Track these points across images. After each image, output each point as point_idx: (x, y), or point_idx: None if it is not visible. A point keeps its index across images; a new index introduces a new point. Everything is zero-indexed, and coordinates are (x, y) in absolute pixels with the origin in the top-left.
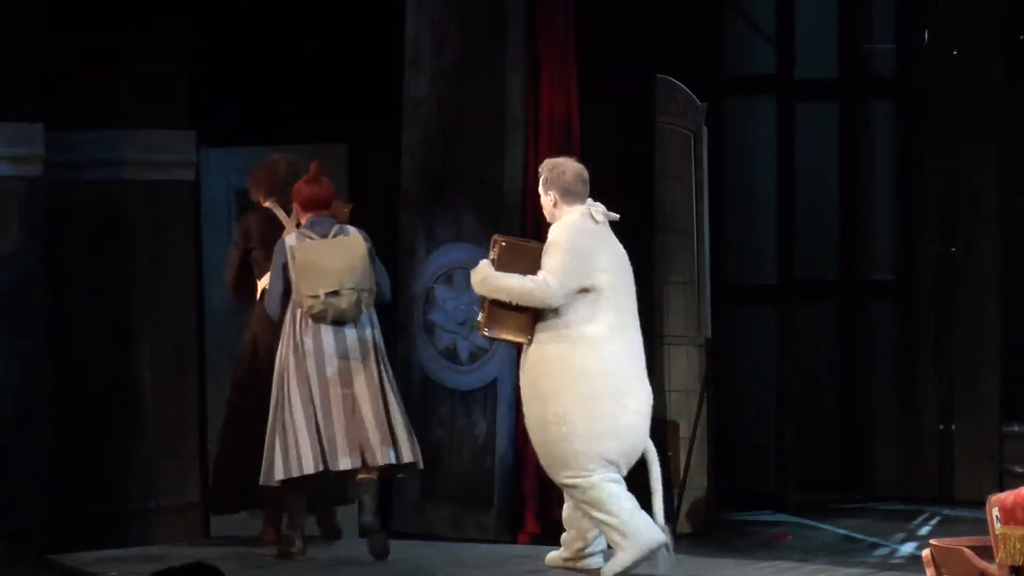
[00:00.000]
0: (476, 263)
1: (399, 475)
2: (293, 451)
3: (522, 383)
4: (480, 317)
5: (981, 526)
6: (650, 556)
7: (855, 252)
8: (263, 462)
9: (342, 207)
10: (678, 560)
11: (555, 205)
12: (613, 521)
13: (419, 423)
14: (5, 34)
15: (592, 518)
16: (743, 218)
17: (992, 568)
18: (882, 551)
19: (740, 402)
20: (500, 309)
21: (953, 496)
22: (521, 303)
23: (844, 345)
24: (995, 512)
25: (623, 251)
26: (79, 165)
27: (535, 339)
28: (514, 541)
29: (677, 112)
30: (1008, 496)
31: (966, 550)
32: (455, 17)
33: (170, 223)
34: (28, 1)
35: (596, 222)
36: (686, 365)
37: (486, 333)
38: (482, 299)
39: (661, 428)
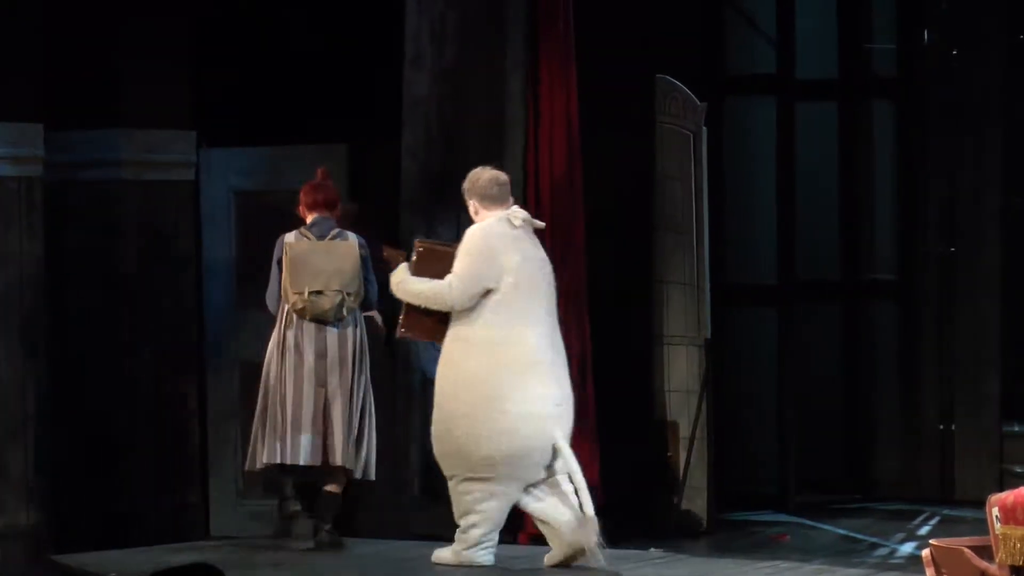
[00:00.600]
0: None
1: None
2: (271, 439)
3: None
4: (400, 319)
5: (981, 526)
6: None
7: (856, 252)
8: (248, 448)
9: (348, 208)
10: (678, 559)
11: (476, 213)
12: (464, 530)
13: (419, 424)
14: (5, 34)
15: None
16: (743, 218)
17: (992, 568)
18: (882, 551)
19: (740, 402)
20: (414, 312)
21: (953, 496)
22: (430, 306)
23: (845, 345)
24: (995, 512)
25: (542, 256)
26: (79, 165)
27: (445, 341)
28: (514, 541)
29: (677, 112)
30: (1008, 496)
31: (966, 550)
32: (455, 17)
33: (170, 223)
34: (28, 1)
35: (513, 226)
36: (686, 365)
37: (402, 333)
38: (402, 303)
39: (661, 428)
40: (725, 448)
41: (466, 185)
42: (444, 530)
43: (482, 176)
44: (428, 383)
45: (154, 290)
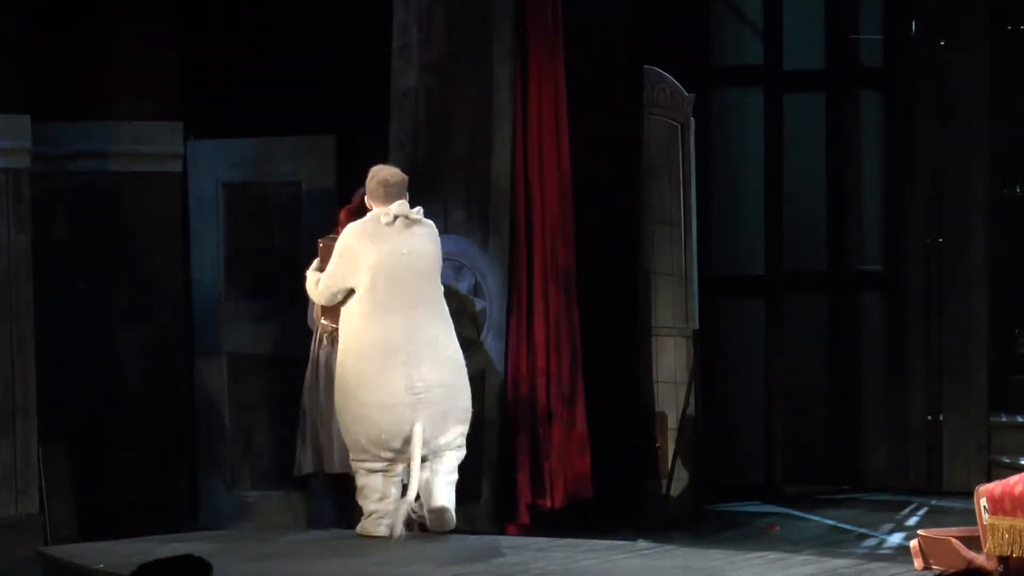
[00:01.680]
0: (465, 254)
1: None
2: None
3: None
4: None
5: (969, 517)
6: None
7: (843, 243)
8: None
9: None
10: (666, 551)
11: (371, 209)
12: (363, 504)
13: None
14: None
15: None
16: (731, 209)
17: (980, 558)
18: (870, 542)
19: (728, 393)
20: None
21: (941, 487)
22: (313, 299)
23: (832, 336)
24: (983, 502)
25: (411, 248)
26: (66, 157)
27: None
28: (503, 532)
29: (665, 103)
30: (996, 486)
31: (954, 540)
32: (443, 7)
33: (158, 215)
34: None
35: (381, 224)
36: (674, 356)
37: (312, 324)
38: None
39: (649, 419)
40: (713, 439)
41: (366, 183)
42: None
43: (376, 176)
44: None
45: (142, 281)
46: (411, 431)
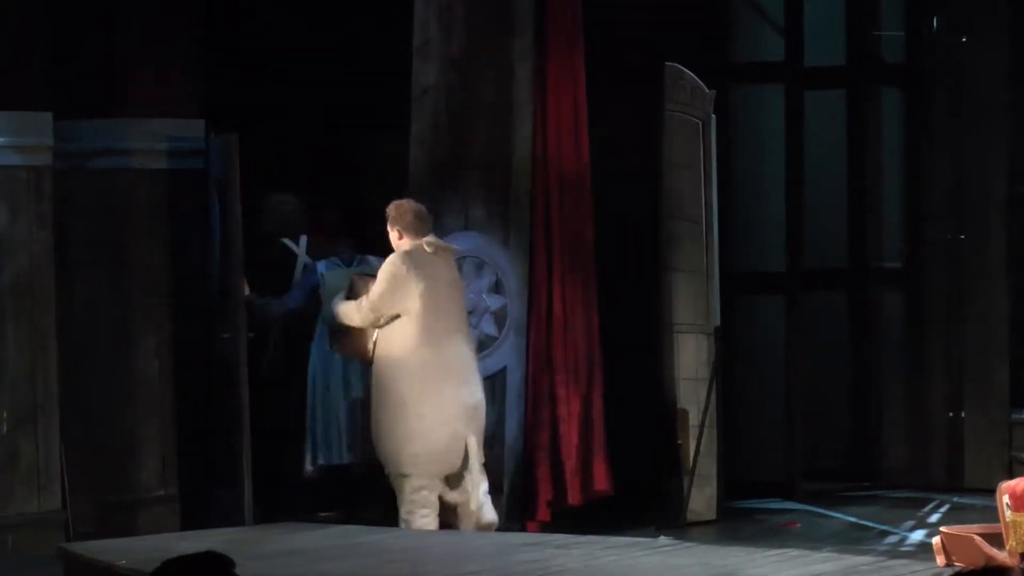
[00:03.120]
0: (485, 251)
1: None
2: None
3: None
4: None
5: (991, 513)
6: None
7: (864, 240)
8: None
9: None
10: (686, 548)
11: (400, 239)
12: (403, 518)
13: None
14: (12, 22)
15: None
16: (751, 206)
17: (1002, 555)
18: (892, 539)
19: (749, 390)
20: (340, 330)
21: (963, 483)
22: (348, 324)
23: (853, 333)
24: (1005, 499)
25: (453, 277)
26: (87, 154)
27: (374, 359)
28: (524, 529)
29: (685, 100)
30: (1018, 483)
31: (976, 537)
32: (463, 5)
33: (178, 212)
34: None
35: (426, 252)
36: (695, 353)
37: (333, 348)
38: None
39: (670, 415)
40: (734, 436)
41: (392, 214)
42: (454, 518)
43: (409, 211)
44: None
45: (163, 278)
46: (466, 445)
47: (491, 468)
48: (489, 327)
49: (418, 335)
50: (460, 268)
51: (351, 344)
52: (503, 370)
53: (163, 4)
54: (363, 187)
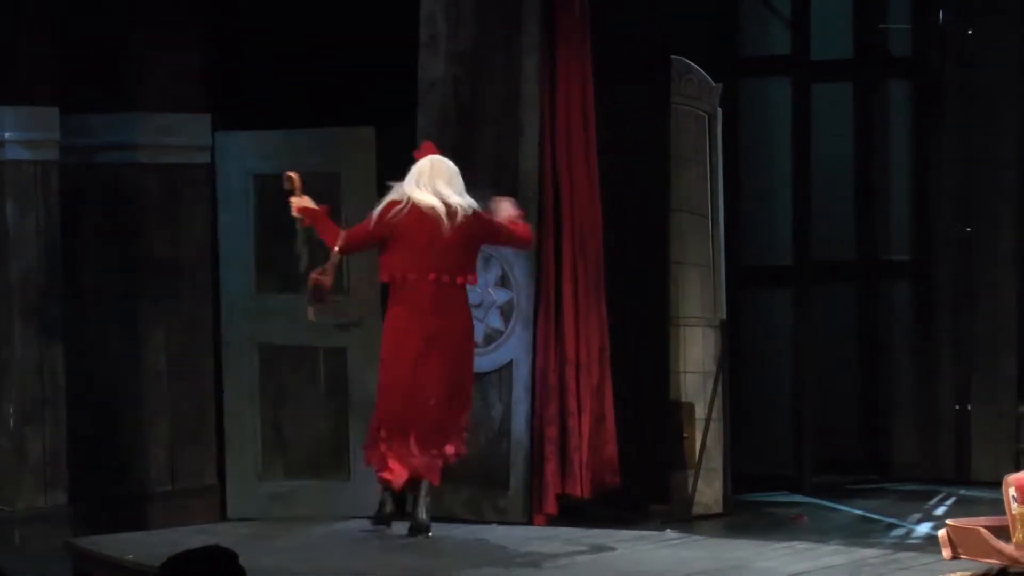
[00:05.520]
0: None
1: None
2: None
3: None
4: None
5: (998, 506)
6: None
7: (872, 233)
8: None
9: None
10: (694, 541)
11: None
12: None
13: None
14: (19, 18)
15: None
16: (759, 199)
17: (1009, 548)
18: (899, 531)
19: (756, 383)
20: None
21: (970, 476)
22: None
23: (861, 326)
24: (1012, 492)
25: None
26: (94, 149)
27: None
28: (531, 523)
29: (692, 93)
30: None
31: (982, 530)
32: None
33: (186, 206)
34: None
35: None
36: (702, 346)
37: None
38: None
39: (677, 409)
40: (741, 429)
41: None
42: (462, 512)
43: None
44: None
45: (171, 273)
46: None
47: (500, 462)
48: (496, 321)
49: None
50: None
51: None
52: (510, 363)
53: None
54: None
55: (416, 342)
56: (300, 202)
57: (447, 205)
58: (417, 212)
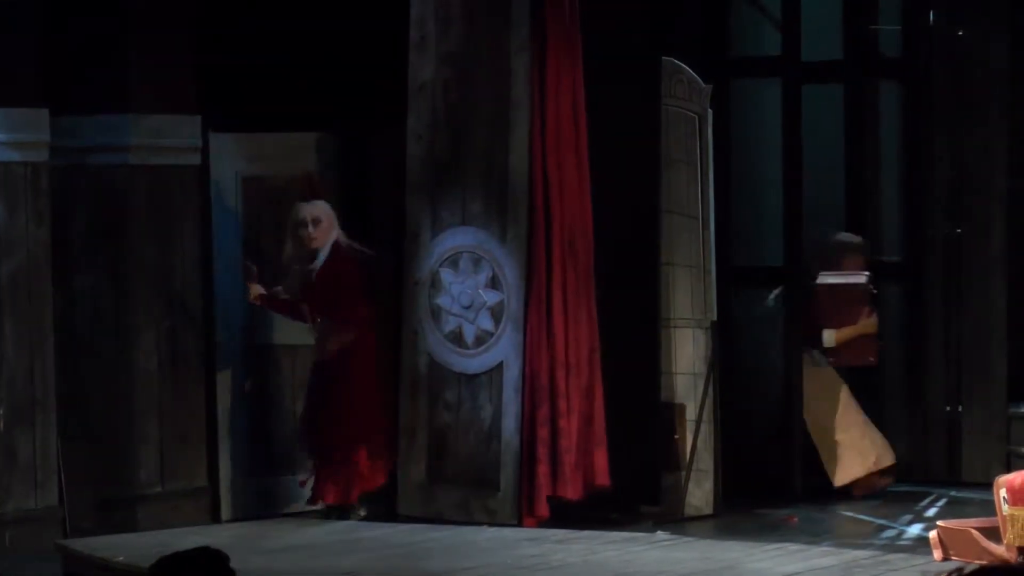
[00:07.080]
0: (483, 246)
1: None
2: None
3: None
4: None
5: (989, 508)
6: None
7: (862, 234)
8: None
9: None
10: (686, 543)
11: None
12: None
13: (426, 407)
14: (9, 18)
15: None
16: (749, 200)
17: (999, 549)
18: (889, 533)
19: (747, 385)
20: None
21: (961, 478)
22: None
23: None
24: (1003, 493)
25: None
26: (84, 150)
27: None
28: (522, 525)
29: (682, 94)
30: (1016, 477)
31: (973, 531)
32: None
33: (177, 208)
34: None
35: None
36: (692, 348)
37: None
38: None
39: (668, 411)
40: (732, 430)
41: None
42: (452, 513)
43: None
44: (434, 366)
45: (161, 275)
46: None
47: (490, 464)
48: (486, 322)
49: None
50: (457, 263)
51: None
52: (500, 365)
53: (161, 0)
54: (360, 183)
55: None
56: (256, 290)
57: None
58: None
